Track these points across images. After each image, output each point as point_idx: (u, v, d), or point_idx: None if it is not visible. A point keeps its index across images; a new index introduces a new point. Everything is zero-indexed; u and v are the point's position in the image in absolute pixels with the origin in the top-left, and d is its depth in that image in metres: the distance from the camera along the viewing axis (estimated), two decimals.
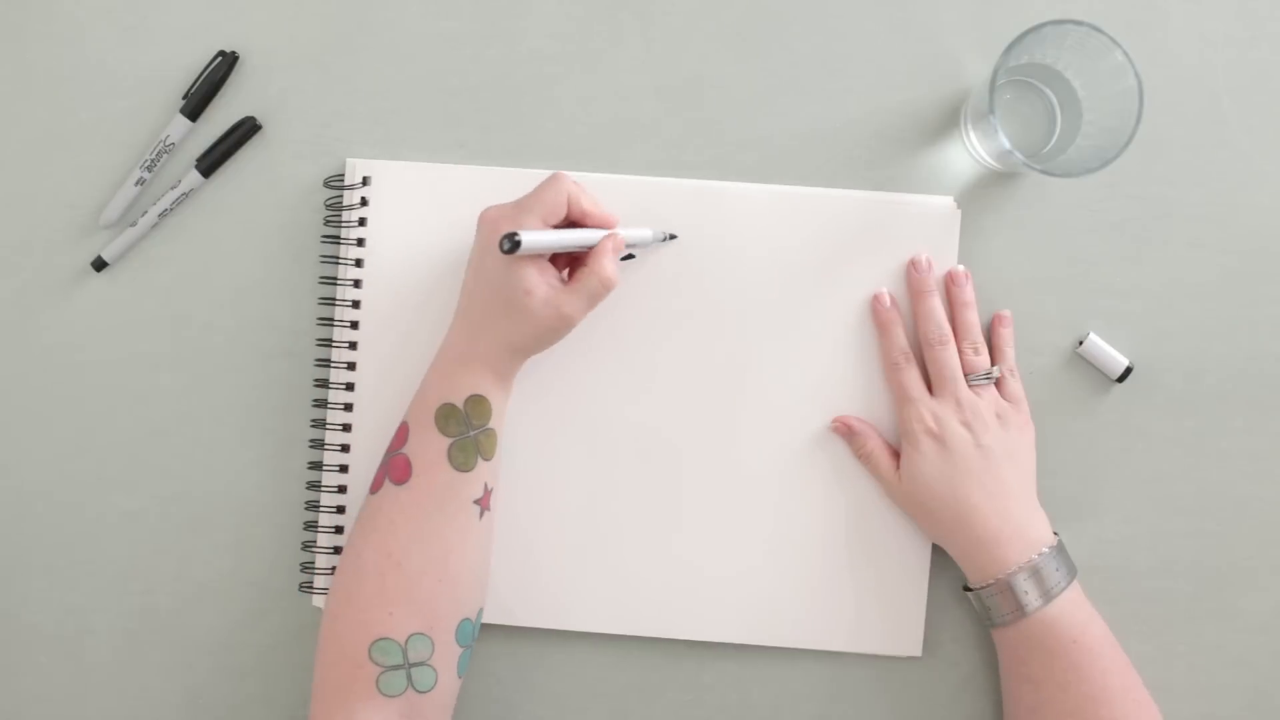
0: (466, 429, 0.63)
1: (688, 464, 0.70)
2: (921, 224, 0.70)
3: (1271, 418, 0.71)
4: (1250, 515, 0.71)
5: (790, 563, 0.70)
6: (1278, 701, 0.71)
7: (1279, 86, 0.71)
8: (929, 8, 0.71)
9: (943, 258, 0.69)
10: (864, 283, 0.70)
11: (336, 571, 0.64)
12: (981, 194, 0.71)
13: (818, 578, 0.70)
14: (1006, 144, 0.62)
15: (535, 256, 0.62)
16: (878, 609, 0.70)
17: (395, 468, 0.64)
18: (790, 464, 0.70)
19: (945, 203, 0.70)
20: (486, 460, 0.64)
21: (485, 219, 0.64)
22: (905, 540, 0.70)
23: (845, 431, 0.69)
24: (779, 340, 0.70)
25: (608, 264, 0.63)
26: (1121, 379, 0.70)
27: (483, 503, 0.64)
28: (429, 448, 0.63)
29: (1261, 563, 0.71)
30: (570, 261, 0.66)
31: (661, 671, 0.71)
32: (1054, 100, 0.69)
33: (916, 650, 0.70)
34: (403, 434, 0.64)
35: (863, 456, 0.69)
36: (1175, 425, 0.71)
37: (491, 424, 0.64)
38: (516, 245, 0.58)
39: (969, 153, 0.70)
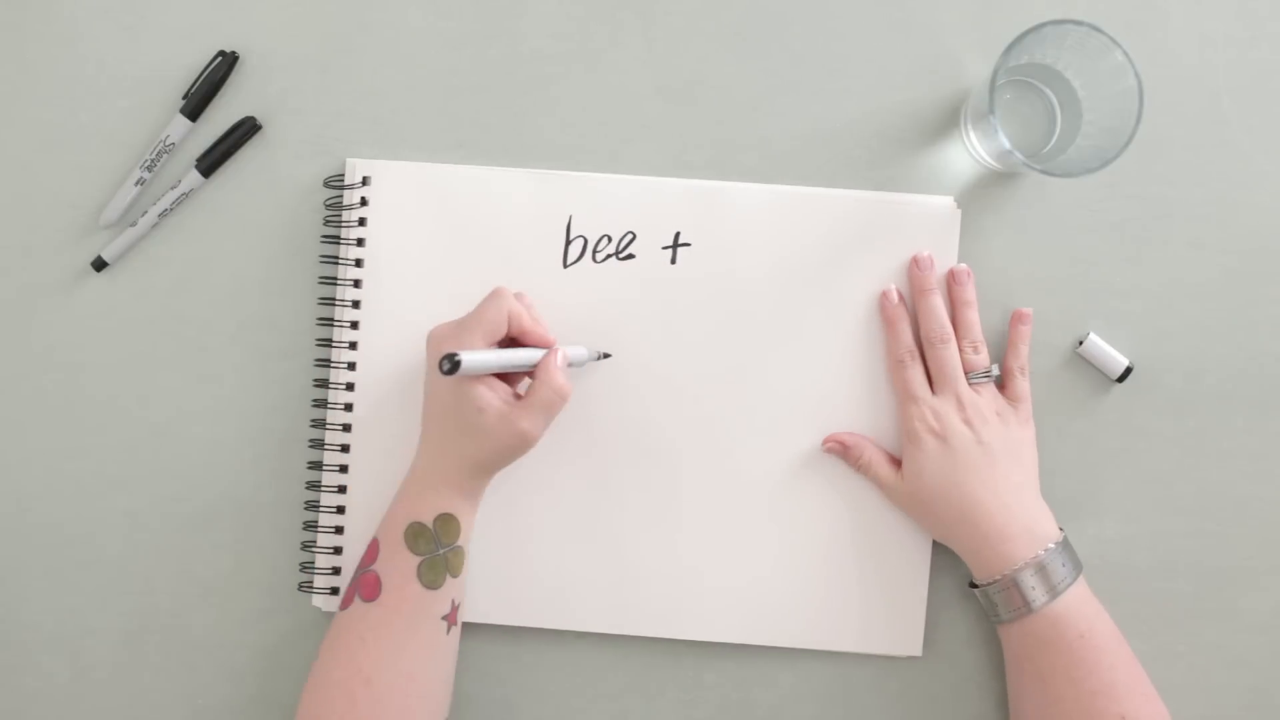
0: (436, 547, 0.63)
1: (688, 463, 0.70)
2: (922, 224, 0.70)
3: (1271, 418, 0.71)
4: (1250, 515, 0.71)
5: (791, 563, 0.70)
6: (1278, 701, 0.71)
7: (1279, 86, 0.71)
8: (929, 8, 0.71)
9: (943, 258, 0.69)
10: (864, 282, 0.70)
11: (305, 688, 0.64)
12: (981, 194, 0.71)
13: (818, 578, 0.70)
14: (1006, 144, 0.63)
15: (484, 375, 0.62)
16: (878, 609, 0.70)
17: (365, 585, 0.64)
18: (791, 464, 0.70)
19: (945, 203, 0.70)
20: (455, 577, 0.64)
21: (431, 338, 0.64)
22: (906, 540, 0.70)
23: (839, 449, 0.69)
24: (779, 339, 0.70)
25: (558, 375, 0.63)
26: (1121, 379, 0.70)
27: (450, 618, 0.64)
28: (399, 566, 0.63)
29: (1261, 563, 0.71)
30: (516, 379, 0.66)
31: (661, 671, 0.71)
32: (1054, 100, 0.69)
33: (917, 650, 0.70)
34: (373, 551, 0.64)
35: (861, 468, 0.69)
36: (1175, 425, 0.71)
37: (460, 542, 0.64)
38: (456, 366, 0.58)
39: (969, 153, 0.70)
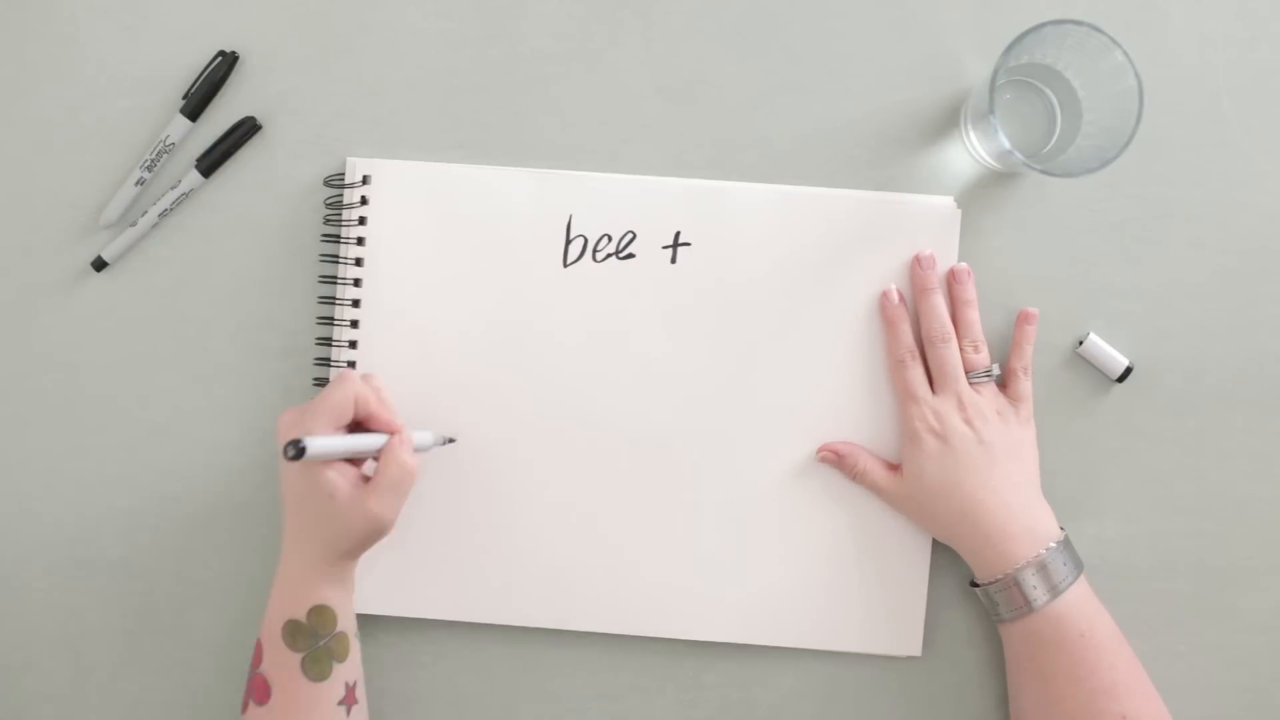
0: (315, 640, 0.63)
1: (688, 464, 0.70)
2: (922, 224, 0.70)
3: (1271, 418, 0.71)
4: (1250, 515, 0.71)
5: (791, 563, 0.70)
6: (1278, 701, 0.71)
7: (1279, 86, 0.71)
8: (929, 8, 0.71)
9: (943, 258, 0.69)
10: (864, 282, 0.70)
11: None
12: (981, 194, 0.71)
13: (818, 578, 0.70)
14: (1006, 144, 0.63)
15: (333, 460, 0.62)
16: (878, 609, 0.70)
17: (256, 688, 0.63)
18: (792, 463, 0.70)
19: (945, 203, 0.70)
20: (342, 662, 0.63)
21: (279, 425, 0.63)
22: (906, 540, 0.70)
23: (833, 458, 0.69)
24: (779, 340, 0.70)
25: (404, 454, 0.62)
26: (1121, 379, 0.70)
27: (348, 700, 0.64)
28: (283, 665, 0.63)
29: (1261, 563, 0.71)
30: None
31: (661, 671, 0.71)
32: (1054, 100, 0.69)
33: (916, 650, 0.70)
34: (258, 652, 0.64)
35: (856, 476, 0.69)
36: (1175, 425, 0.71)
37: (340, 628, 0.63)
38: (301, 452, 0.57)
39: (969, 153, 0.70)
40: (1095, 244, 0.71)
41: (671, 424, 0.70)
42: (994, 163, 0.68)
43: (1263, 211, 0.71)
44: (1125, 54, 0.62)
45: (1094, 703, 0.63)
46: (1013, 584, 0.65)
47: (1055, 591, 0.64)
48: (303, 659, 0.62)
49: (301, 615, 0.63)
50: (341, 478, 0.61)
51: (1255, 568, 0.71)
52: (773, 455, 0.70)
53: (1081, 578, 0.66)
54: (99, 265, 0.71)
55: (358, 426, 0.64)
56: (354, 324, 0.70)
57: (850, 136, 0.71)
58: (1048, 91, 0.69)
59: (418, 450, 0.65)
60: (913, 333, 0.69)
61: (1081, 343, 0.70)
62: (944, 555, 0.70)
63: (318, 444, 0.59)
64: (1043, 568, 0.64)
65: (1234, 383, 0.71)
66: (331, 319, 0.71)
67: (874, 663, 0.71)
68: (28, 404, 0.72)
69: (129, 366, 0.72)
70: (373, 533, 0.62)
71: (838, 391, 0.70)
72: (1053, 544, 0.65)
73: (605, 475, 0.70)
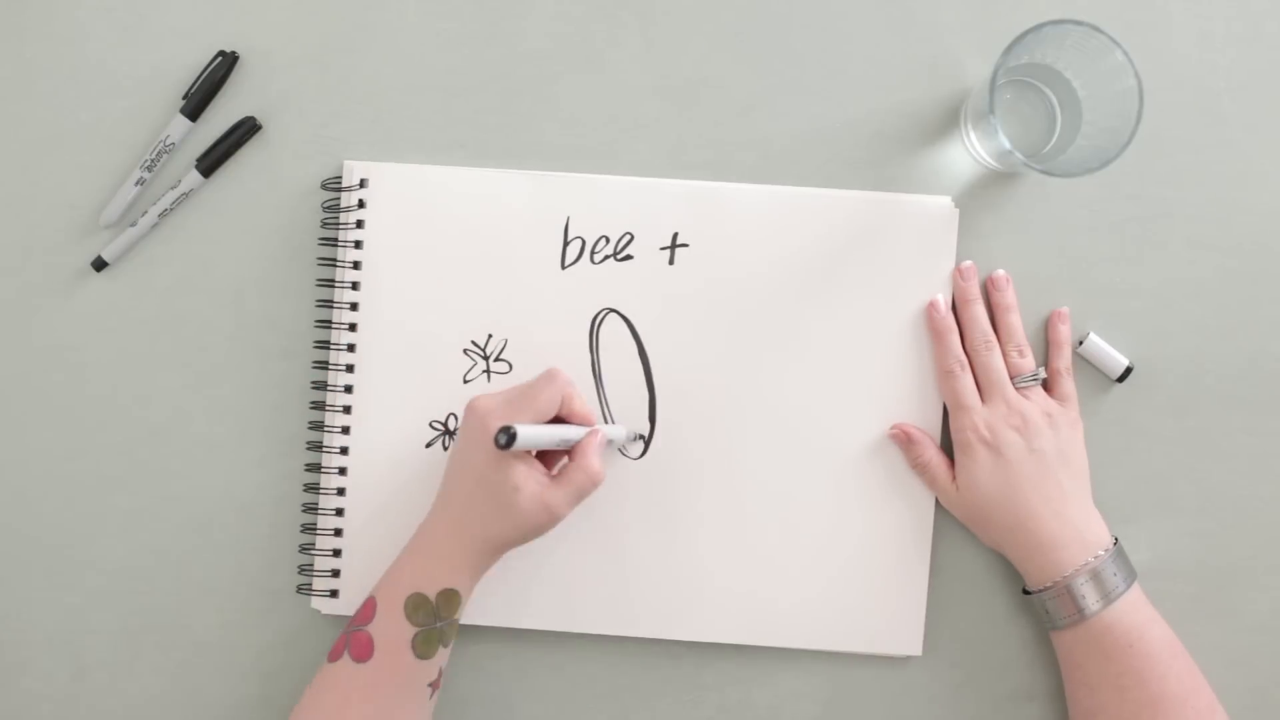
0: (434, 620, 0.63)
1: (686, 465, 0.70)
2: (919, 224, 0.70)
3: (1271, 418, 0.71)
4: (1250, 515, 0.71)
5: (790, 563, 0.70)
6: (1278, 701, 0.71)
7: (1279, 86, 0.71)
8: (929, 8, 0.71)
9: (941, 258, 0.69)
10: (862, 283, 0.70)
11: None
12: (981, 194, 0.71)
13: (818, 578, 0.70)
14: (1006, 144, 0.62)
15: (523, 452, 0.62)
16: (878, 608, 0.70)
17: (357, 644, 0.63)
18: (791, 463, 0.70)
19: (943, 203, 0.70)
20: (445, 647, 0.64)
21: (475, 410, 0.63)
22: (906, 540, 0.70)
23: (904, 440, 0.69)
24: (777, 340, 0.70)
25: (595, 460, 0.63)
26: (1121, 379, 0.70)
27: (435, 684, 0.64)
28: (394, 632, 0.62)
29: (1261, 563, 0.71)
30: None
31: (661, 671, 0.71)
32: (1054, 100, 0.69)
33: (916, 650, 0.70)
34: (369, 610, 0.64)
35: (919, 466, 0.69)
36: (1175, 425, 0.71)
37: (457, 615, 0.64)
38: (512, 440, 0.58)
39: (969, 153, 0.70)
40: (1095, 244, 0.71)
41: (669, 425, 0.70)
42: (994, 163, 0.68)
43: (1263, 211, 0.71)
44: (1125, 54, 0.62)
45: (1138, 716, 0.63)
46: (1065, 591, 0.65)
47: (1108, 598, 0.64)
48: (416, 634, 0.63)
49: (431, 594, 0.63)
50: (530, 471, 0.62)
51: (1255, 568, 0.71)
52: (771, 455, 0.70)
53: (1135, 586, 0.65)
54: (99, 265, 0.71)
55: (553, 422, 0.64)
56: (352, 327, 0.70)
57: (850, 136, 0.71)
58: (1048, 91, 0.69)
59: (611, 442, 0.67)
60: (960, 343, 0.69)
61: (1081, 343, 0.70)
62: (944, 555, 0.70)
63: (527, 434, 0.59)
64: (1094, 575, 0.64)
65: (1234, 383, 0.71)
66: (330, 320, 0.71)
67: (874, 663, 0.71)
68: (28, 404, 0.72)
69: (129, 366, 0.72)
70: (544, 527, 0.63)
71: (836, 392, 0.70)
72: (1102, 551, 0.65)
73: (605, 476, 0.70)
